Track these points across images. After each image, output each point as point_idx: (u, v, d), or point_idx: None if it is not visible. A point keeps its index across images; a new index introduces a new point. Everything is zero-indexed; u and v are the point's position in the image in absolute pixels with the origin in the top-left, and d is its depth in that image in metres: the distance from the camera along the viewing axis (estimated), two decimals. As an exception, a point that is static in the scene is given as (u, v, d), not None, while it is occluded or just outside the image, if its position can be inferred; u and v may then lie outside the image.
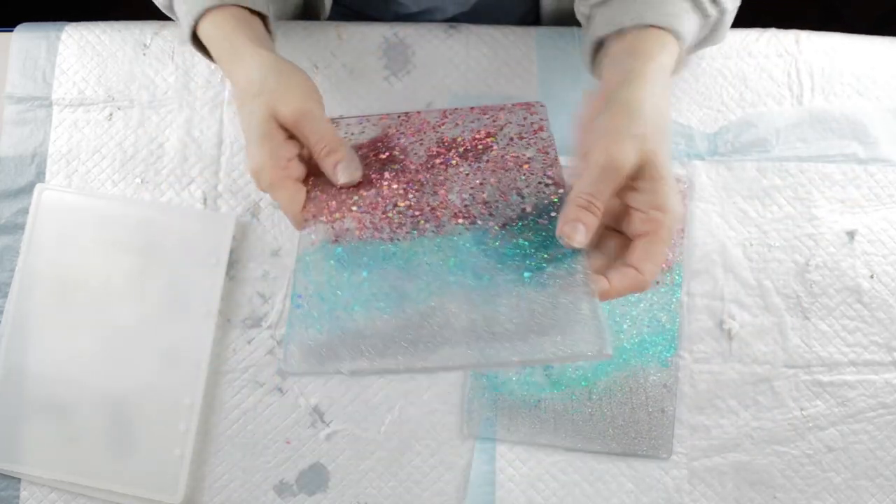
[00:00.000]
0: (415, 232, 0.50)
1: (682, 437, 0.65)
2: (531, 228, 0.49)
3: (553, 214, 0.49)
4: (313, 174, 0.53)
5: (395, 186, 0.52)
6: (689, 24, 0.54)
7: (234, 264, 0.67)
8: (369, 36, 0.71)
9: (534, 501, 0.64)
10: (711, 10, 0.55)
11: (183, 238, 0.66)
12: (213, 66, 0.70)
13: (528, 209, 0.50)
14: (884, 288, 0.68)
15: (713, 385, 0.66)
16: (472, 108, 0.57)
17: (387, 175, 0.53)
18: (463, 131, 0.55)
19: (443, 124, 0.56)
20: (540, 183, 0.51)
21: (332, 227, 0.51)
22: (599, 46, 0.57)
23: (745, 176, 0.69)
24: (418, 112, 0.57)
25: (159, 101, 0.70)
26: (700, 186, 0.69)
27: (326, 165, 0.51)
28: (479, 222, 0.50)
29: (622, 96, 0.49)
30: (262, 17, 0.58)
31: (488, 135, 0.55)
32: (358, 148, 0.55)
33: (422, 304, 0.47)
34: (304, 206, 0.51)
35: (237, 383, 0.65)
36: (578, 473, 0.64)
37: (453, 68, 0.71)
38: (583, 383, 0.65)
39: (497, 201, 0.51)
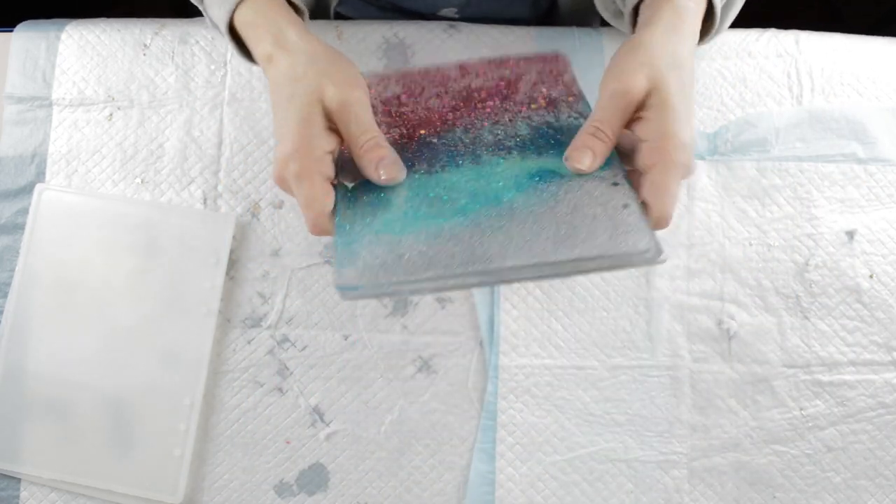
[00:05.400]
0: (452, 165, 0.51)
1: (682, 436, 0.65)
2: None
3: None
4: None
5: (426, 131, 0.54)
6: None
7: (234, 264, 0.67)
8: (369, 36, 0.71)
9: (534, 501, 0.64)
10: None
11: (183, 238, 0.66)
12: (213, 66, 0.70)
13: (563, 138, 0.51)
14: (883, 288, 0.68)
15: (712, 385, 0.66)
16: (489, 60, 0.58)
17: (417, 116, 0.55)
18: (486, 80, 0.57)
19: (465, 76, 0.58)
20: (569, 117, 0.53)
21: None
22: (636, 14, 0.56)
23: (745, 176, 0.69)
24: (437, 67, 0.58)
25: (159, 101, 0.70)
26: (700, 186, 0.69)
27: (368, 161, 0.48)
28: (515, 153, 0.51)
29: (634, 37, 0.50)
30: (299, 14, 0.56)
31: (511, 81, 0.57)
32: (385, 101, 0.56)
33: (468, 222, 0.47)
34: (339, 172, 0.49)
35: (237, 383, 0.65)
36: (578, 473, 0.64)
37: (453, 68, 0.71)
38: (495, 200, 0.49)
39: (530, 134, 0.52)
